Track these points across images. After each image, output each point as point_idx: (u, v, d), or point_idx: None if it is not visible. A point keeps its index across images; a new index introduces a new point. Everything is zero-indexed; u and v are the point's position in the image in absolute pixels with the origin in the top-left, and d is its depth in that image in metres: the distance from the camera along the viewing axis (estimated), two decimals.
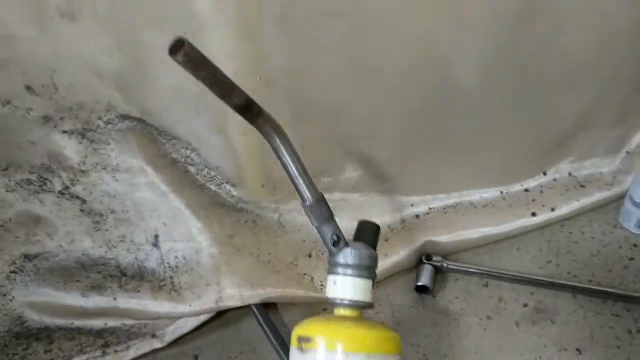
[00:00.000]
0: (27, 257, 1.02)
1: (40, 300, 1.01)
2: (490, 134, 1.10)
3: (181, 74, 0.94)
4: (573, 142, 1.18)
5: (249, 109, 0.69)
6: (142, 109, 0.98)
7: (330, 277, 0.76)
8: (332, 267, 0.76)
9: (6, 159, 0.97)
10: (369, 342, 0.71)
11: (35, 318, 1.01)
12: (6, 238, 1.01)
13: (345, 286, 0.75)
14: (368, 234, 0.81)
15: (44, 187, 0.99)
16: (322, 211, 0.76)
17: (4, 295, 1.01)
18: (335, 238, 0.75)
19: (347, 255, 0.75)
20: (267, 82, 0.94)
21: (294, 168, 0.73)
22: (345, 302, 0.75)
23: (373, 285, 0.77)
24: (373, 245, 0.79)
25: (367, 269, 0.76)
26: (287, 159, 0.73)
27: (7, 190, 0.99)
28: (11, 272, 1.01)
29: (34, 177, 0.99)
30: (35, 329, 1.00)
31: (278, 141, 0.72)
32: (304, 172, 0.74)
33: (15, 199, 0.99)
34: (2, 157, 0.96)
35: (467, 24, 0.90)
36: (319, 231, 0.77)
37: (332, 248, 0.75)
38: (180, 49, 0.55)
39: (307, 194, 0.74)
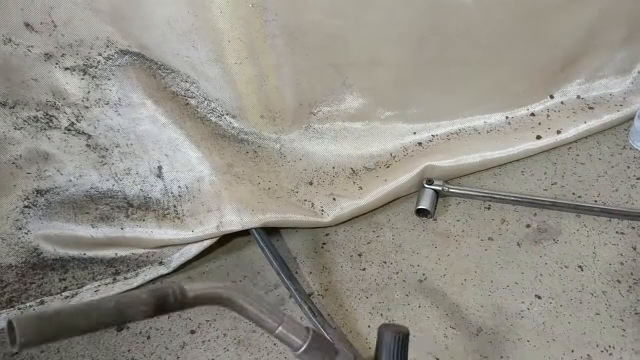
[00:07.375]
0: (39, 192, 1.06)
1: (53, 233, 1.05)
2: (494, 56, 1.08)
3: (174, 6, 0.96)
4: (581, 63, 1.15)
5: (166, 304, 0.49)
6: (140, 44, 1.00)
7: None
8: None
9: (12, 96, 0.99)
10: None
11: (49, 249, 1.05)
12: (18, 174, 1.04)
13: None
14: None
15: (51, 124, 1.02)
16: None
17: (20, 229, 1.05)
18: None
19: None
20: (260, 10, 0.94)
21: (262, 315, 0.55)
22: None
23: None
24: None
25: None
26: (249, 311, 0.54)
27: (15, 128, 1.02)
28: (25, 207, 1.05)
29: (40, 114, 1.01)
30: (50, 260, 1.05)
31: (232, 300, 0.54)
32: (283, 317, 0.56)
33: (23, 136, 1.03)
34: (8, 95, 0.99)
35: None
36: None
37: None
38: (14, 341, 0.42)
39: (296, 341, 0.55)
